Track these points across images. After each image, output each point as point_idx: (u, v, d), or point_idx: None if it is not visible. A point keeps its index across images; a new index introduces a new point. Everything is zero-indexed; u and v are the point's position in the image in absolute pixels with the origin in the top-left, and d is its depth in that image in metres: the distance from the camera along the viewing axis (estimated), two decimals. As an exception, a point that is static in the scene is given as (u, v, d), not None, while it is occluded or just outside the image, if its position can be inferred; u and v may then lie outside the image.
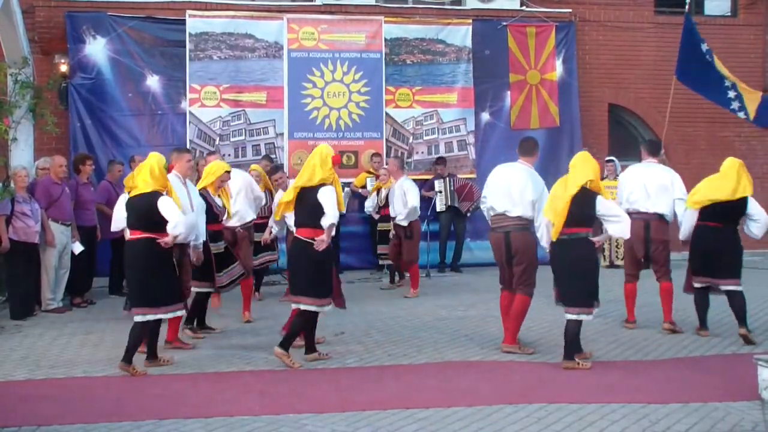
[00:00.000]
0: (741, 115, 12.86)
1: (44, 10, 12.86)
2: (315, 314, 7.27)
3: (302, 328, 7.31)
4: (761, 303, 10.15)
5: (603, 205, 6.94)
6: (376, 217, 12.12)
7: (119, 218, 7.67)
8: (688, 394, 6.16)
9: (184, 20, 13.09)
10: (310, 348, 7.46)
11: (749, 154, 15.37)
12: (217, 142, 13.15)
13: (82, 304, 10.43)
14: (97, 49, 12.78)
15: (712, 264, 8.20)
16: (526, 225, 7.48)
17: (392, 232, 11.18)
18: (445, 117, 14.03)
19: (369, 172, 13.24)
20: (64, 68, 12.77)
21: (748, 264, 13.65)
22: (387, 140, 13.72)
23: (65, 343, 8.30)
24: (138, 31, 12.95)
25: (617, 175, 11.47)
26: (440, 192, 13.21)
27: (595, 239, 7.07)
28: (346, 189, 13.03)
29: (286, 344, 7.13)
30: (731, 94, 12.76)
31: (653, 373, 6.90)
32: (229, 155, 13.11)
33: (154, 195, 6.96)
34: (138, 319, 6.95)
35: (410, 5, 14.37)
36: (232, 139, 13.25)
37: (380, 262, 12.47)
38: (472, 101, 14.06)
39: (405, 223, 11.01)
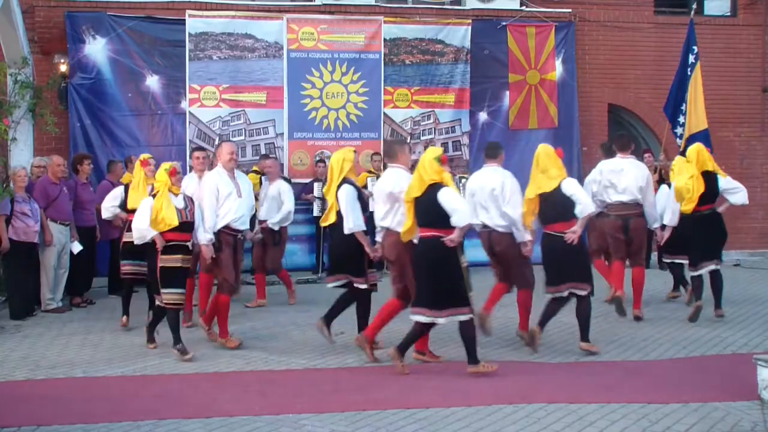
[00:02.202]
0: (678, 141, 13.01)
1: (44, 10, 12.87)
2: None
3: (423, 332, 7.09)
4: (761, 303, 10.13)
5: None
6: None
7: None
8: (688, 394, 6.16)
9: (184, 20, 13.08)
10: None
11: (749, 155, 15.41)
12: (216, 142, 13.13)
13: (82, 304, 10.43)
14: (96, 49, 12.77)
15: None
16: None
17: (258, 235, 9.66)
18: (442, 117, 14.03)
19: (370, 172, 13.24)
20: (63, 68, 12.76)
21: (746, 264, 13.78)
22: (385, 140, 13.71)
23: (65, 343, 8.30)
24: (138, 31, 12.94)
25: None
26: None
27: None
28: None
29: (403, 348, 6.97)
30: (682, 119, 12.95)
31: (653, 373, 6.91)
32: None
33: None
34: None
35: (410, 5, 14.37)
36: (231, 139, 13.21)
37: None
38: (468, 102, 14.06)
39: (276, 228, 10.35)
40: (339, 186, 7.70)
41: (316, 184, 13.01)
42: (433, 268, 6.80)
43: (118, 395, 6.37)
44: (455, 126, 14.06)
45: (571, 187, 7.46)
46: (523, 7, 14.28)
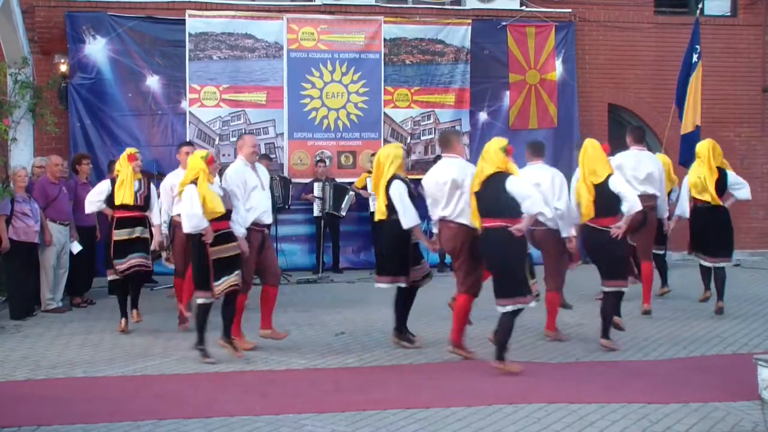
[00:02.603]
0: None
1: (44, 10, 12.87)
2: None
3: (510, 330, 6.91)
4: (762, 302, 10.13)
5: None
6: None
7: (95, 201, 8.77)
8: (688, 394, 6.16)
9: (184, 20, 13.09)
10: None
11: (749, 154, 15.40)
12: (216, 142, 13.16)
13: (82, 304, 10.43)
14: (96, 49, 12.78)
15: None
16: None
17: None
18: (443, 117, 14.04)
19: (369, 172, 13.23)
20: (63, 68, 12.77)
21: (747, 264, 13.78)
22: (385, 140, 13.70)
23: (65, 343, 8.30)
24: (138, 31, 12.95)
25: None
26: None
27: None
28: (351, 193, 13.08)
29: (500, 354, 6.85)
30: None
31: (653, 373, 6.90)
32: (230, 155, 13.09)
33: None
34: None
35: (410, 5, 14.37)
36: (231, 139, 13.22)
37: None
38: (468, 102, 14.06)
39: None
40: (389, 182, 7.64)
41: (316, 184, 13.02)
42: (499, 258, 6.79)
43: (118, 395, 6.36)
44: (455, 126, 14.06)
45: (618, 183, 7.52)
46: (523, 7, 14.29)
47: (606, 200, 7.45)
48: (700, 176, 9.11)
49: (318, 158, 13.41)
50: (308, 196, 13.07)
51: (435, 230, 7.73)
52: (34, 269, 9.83)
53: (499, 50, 14.20)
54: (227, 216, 7.35)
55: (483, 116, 14.22)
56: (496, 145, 6.93)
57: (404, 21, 13.96)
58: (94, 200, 8.91)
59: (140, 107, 13.03)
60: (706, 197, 9.07)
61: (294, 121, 13.44)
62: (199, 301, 7.34)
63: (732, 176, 9.25)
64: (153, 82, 13.07)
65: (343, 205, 13.00)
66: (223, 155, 12.87)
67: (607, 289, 7.60)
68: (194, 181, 7.28)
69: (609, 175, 7.48)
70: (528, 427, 5.50)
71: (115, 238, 8.59)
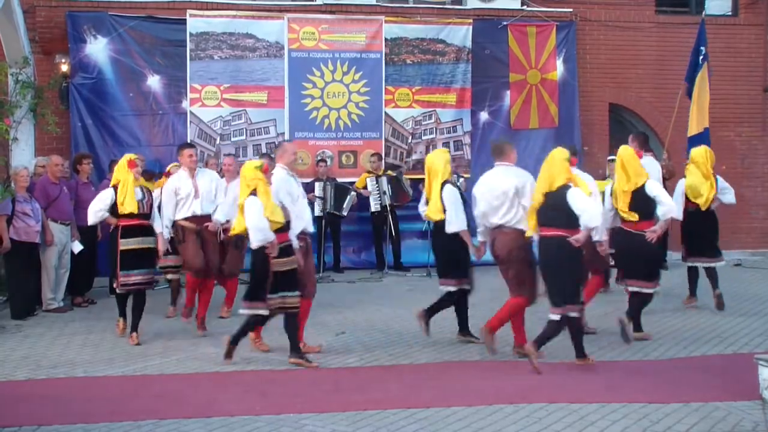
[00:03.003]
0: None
1: (45, 10, 12.85)
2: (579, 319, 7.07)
3: (556, 332, 7.04)
4: (763, 302, 10.12)
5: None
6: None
7: (98, 211, 8.26)
8: (689, 393, 6.16)
9: (185, 20, 13.08)
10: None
11: (750, 154, 15.39)
12: (217, 142, 13.16)
13: (83, 303, 10.44)
14: (97, 48, 12.78)
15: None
16: None
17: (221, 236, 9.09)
18: (444, 117, 14.03)
19: (369, 172, 13.24)
20: (64, 68, 12.77)
21: (747, 263, 13.77)
22: (386, 140, 13.72)
23: (66, 343, 8.31)
24: (139, 31, 12.94)
25: None
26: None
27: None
28: (352, 193, 13.07)
29: (579, 352, 7.07)
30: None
31: (653, 372, 6.90)
32: (230, 155, 13.10)
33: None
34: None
35: (411, 5, 14.36)
36: (233, 139, 13.26)
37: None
38: (470, 102, 14.06)
39: (222, 220, 9.17)
40: (442, 186, 7.81)
41: (317, 184, 13.02)
42: (556, 267, 6.89)
43: (118, 395, 6.37)
44: (456, 126, 14.06)
45: (654, 188, 7.73)
46: (524, 7, 14.27)
47: (642, 205, 7.68)
48: (694, 182, 9.43)
49: (319, 158, 13.41)
50: (309, 196, 13.05)
51: (480, 238, 7.83)
52: (35, 269, 9.84)
53: (500, 50, 14.19)
54: (286, 227, 7.21)
55: (484, 116, 14.21)
56: (560, 155, 7.06)
57: (405, 21, 13.95)
58: (96, 210, 8.32)
59: (141, 107, 13.02)
60: (700, 201, 9.40)
61: (295, 120, 13.44)
62: (248, 312, 7.16)
63: (721, 181, 9.60)
64: (154, 81, 13.06)
65: (344, 205, 12.99)
66: (224, 155, 12.85)
67: (634, 289, 7.87)
68: (253, 193, 7.07)
69: (646, 180, 7.75)
70: (528, 426, 5.50)
71: (122, 247, 8.14)
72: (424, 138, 13.98)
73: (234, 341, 7.27)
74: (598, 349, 7.63)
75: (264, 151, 13.13)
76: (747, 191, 15.02)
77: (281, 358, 7.48)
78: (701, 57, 12.98)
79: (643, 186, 7.68)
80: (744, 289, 11.16)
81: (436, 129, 14.00)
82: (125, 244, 8.16)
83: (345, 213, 13.05)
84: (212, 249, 8.92)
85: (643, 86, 15.00)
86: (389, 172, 13.26)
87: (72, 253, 10.20)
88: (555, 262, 6.90)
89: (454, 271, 7.90)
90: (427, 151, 13.88)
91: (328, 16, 13.67)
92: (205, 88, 13.19)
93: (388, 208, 12.87)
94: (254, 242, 7.02)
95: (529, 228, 7.13)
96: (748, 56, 15.39)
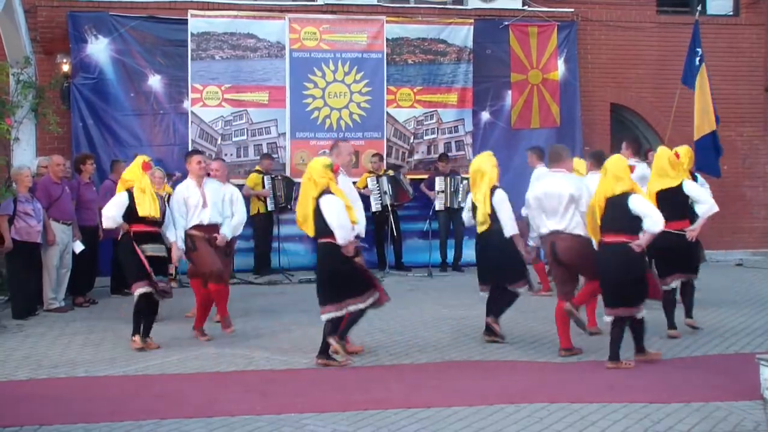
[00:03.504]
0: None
1: (46, 10, 12.87)
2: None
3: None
4: (764, 302, 10.12)
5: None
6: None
7: (114, 215, 7.78)
8: (690, 393, 6.16)
9: (186, 20, 13.08)
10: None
11: (751, 154, 15.39)
12: (218, 142, 13.16)
13: (84, 303, 10.44)
14: (99, 48, 12.78)
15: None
16: None
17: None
18: (445, 117, 14.03)
19: (370, 172, 13.24)
20: (66, 68, 12.78)
21: (749, 263, 13.77)
22: (388, 140, 13.72)
23: (67, 342, 8.31)
24: (140, 31, 12.95)
25: None
26: (441, 191, 13.13)
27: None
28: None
29: (639, 350, 7.18)
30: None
31: (655, 372, 6.89)
32: (232, 155, 13.13)
33: None
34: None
35: (412, 5, 14.37)
36: (234, 139, 13.26)
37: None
38: (471, 102, 14.06)
39: (229, 237, 8.89)
40: (492, 191, 7.85)
41: (438, 179, 13.08)
42: (621, 272, 6.96)
43: (119, 395, 6.36)
44: (458, 125, 14.06)
45: (693, 188, 7.99)
46: (526, 7, 14.27)
47: (680, 205, 7.87)
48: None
49: (319, 158, 13.38)
50: None
51: (532, 243, 7.97)
52: (37, 269, 9.84)
53: (501, 50, 14.19)
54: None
55: (485, 116, 14.21)
56: (621, 163, 7.15)
57: (406, 21, 13.95)
58: (113, 215, 7.85)
59: (142, 107, 13.03)
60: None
61: (296, 120, 13.43)
62: (329, 316, 7.12)
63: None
64: (155, 81, 13.06)
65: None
66: (225, 155, 12.88)
67: (674, 285, 8.06)
68: (325, 192, 7.07)
69: (684, 180, 7.91)
70: (530, 426, 5.50)
71: (144, 253, 7.80)
72: (425, 138, 13.98)
73: (342, 336, 7.23)
74: (599, 349, 7.63)
75: (265, 151, 13.16)
76: (748, 191, 15.04)
77: (282, 358, 7.49)
78: (698, 58, 12.97)
79: (681, 185, 7.90)
80: (745, 289, 11.16)
81: (437, 129, 14.00)
82: (143, 251, 7.81)
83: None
84: (221, 255, 8.70)
85: (644, 86, 15.01)
86: (389, 171, 13.27)
87: (73, 253, 10.20)
88: (619, 267, 6.98)
89: (523, 273, 7.98)
90: (429, 151, 13.91)
91: (330, 16, 13.67)
92: (207, 88, 13.19)
93: (389, 208, 12.87)
94: (340, 241, 7.04)
95: (590, 234, 7.28)
96: (750, 56, 15.39)
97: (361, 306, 7.15)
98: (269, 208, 12.76)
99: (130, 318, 8.07)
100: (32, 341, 8.38)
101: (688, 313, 8.36)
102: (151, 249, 7.87)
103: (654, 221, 6.88)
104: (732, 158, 14.86)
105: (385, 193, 12.98)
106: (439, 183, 13.16)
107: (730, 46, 15.12)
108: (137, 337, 7.90)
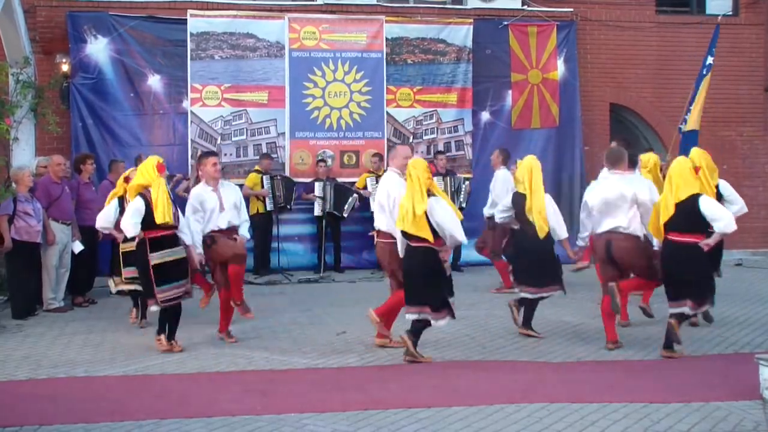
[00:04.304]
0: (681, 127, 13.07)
1: (45, 10, 12.86)
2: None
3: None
4: (764, 302, 10.12)
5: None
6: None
7: (135, 222, 7.48)
8: (690, 393, 6.15)
9: (186, 20, 13.08)
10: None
11: (751, 154, 15.40)
12: (218, 142, 13.15)
13: (84, 303, 10.43)
14: (98, 48, 12.78)
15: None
16: None
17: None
18: (445, 117, 14.03)
19: (370, 172, 13.24)
20: (65, 68, 12.78)
21: (748, 263, 13.77)
22: (388, 140, 13.71)
23: (66, 342, 8.30)
24: (139, 31, 12.95)
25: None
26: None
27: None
28: (354, 195, 13.06)
29: (668, 343, 7.34)
30: (687, 116, 13.03)
31: (654, 372, 6.90)
32: (231, 154, 13.13)
33: None
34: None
35: (412, 5, 14.36)
36: (233, 139, 13.26)
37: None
38: (471, 102, 14.06)
39: (248, 238, 8.75)
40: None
41: (317, 184, 13.02)
42: (686, 270, 7.12)
43: (119, 395, 6.36)
44: (458, 125, 14.06)
45: (728, 190, 8.42)
46: (525, 7, 14.27)
47: (694, 216, 7.76)
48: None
49: (319, 158, 13.40)
50: (309, 196, 13.06)
51: (581, 243, 8.09)
52: (36, 269, 9.83)
53: (500, 50, 14.19)
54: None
55: (485, 116, 14.21)
56: (687, 164, 7.32)
57: (406, 20, 13.95)
58: (134, 222, 7.53)
59: (142, 107, 13.03)
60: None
61: (295, 120, 13.43)
62: (414, 317, 7.23)
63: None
64: (154, 81, 13.06)
65: (345, 207, 12.99)
66: (225, 155, 12.89)
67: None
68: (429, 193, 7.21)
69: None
70: (529, 426, 5.50)
71: (154, 262, 7.51)
72: (425, 138, 13.98)
73: (416, 335, 7.31)
74: (599, 349, 7.64)
75: (265, 151, 13.15)
76: (748, 191, 14.98)
77: (282, 358, 7.49)
78: (712, 59, 12.95)
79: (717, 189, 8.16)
80: (745, 289, 11.16)
81: (437, 129, 14.00)
82: (159, 257, 7.55)
83: (346, 214, 13.05)
84: None
85: (643, 86, 15.01)
86: None
87: (73, 252, 10.20)
88: (686, 266, 7.12)
89: (560, 277, 8.13)
90: (429, 151, 13.90)
91: (329, 16, 13.67)
92: (206, 88, 13.18)
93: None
94: (461, 239, 7.31)
95: (652, 233, 7.47)
96: (750, 56, 15.39)
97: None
98: (268, 208, 12.77)
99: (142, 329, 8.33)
100: (32, 341, 8.38)
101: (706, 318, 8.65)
102: (170, 254, 7.60)
103: (726, 224, 7.03)
104: (732, 158, 14.86)
105: (385, 192, 12.93)
106: (438, 183, 13.15)
107: (730, 45, 15.09)
108: (162, 337, 7.78)
